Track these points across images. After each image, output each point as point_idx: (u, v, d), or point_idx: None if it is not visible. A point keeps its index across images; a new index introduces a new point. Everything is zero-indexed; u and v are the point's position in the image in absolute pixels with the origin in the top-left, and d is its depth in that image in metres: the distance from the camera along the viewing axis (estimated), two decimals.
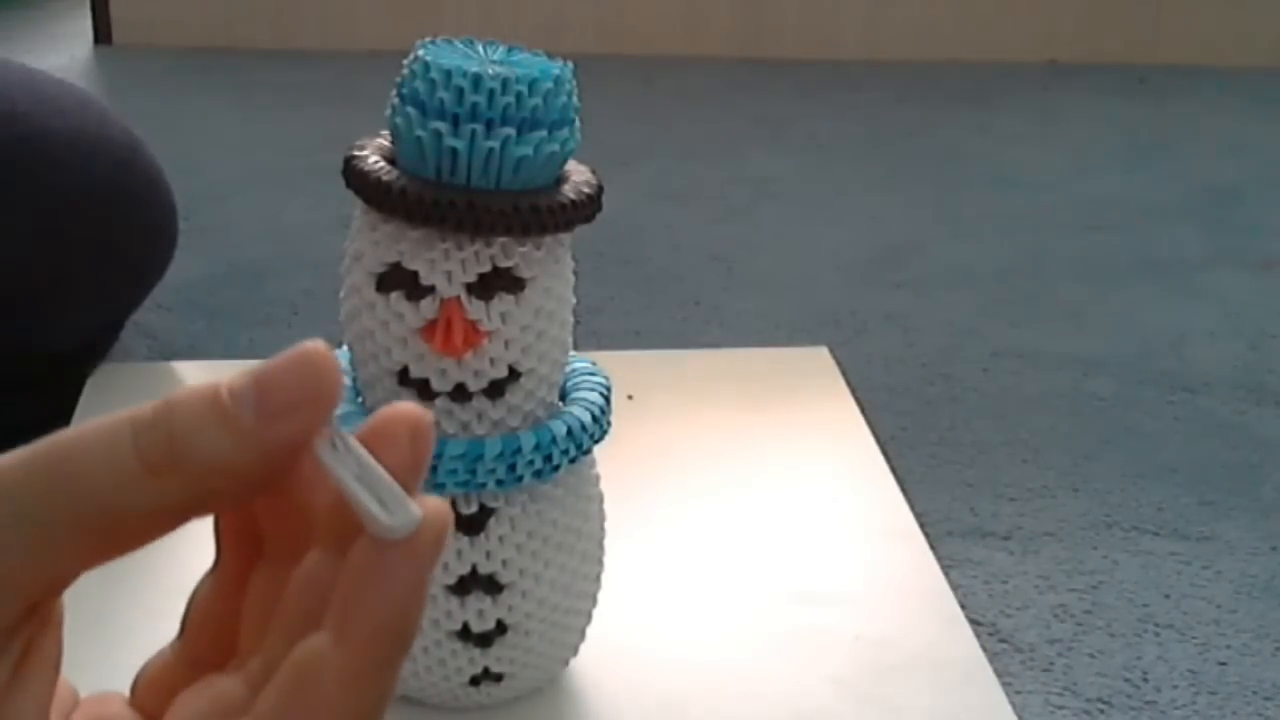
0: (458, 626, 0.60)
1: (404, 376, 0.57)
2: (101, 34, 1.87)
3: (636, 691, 0.67)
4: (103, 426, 0.28)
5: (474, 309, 0.56)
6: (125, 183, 0.91)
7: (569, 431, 0.59)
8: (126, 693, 0.33)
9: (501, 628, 0.61)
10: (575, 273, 0.60)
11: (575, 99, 0.56)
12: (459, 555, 0.59)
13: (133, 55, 1.83)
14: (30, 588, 0.28)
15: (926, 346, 1.08)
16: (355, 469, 0.30)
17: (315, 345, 0.29)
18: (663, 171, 1.46)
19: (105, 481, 0.27)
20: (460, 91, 0.53)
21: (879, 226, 1.33)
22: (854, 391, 0.97)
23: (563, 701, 0.66)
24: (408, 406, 0.30)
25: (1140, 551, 0.82)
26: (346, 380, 0.61)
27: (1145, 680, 0.71)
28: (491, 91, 0.53)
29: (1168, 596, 0.78)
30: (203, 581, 0.33)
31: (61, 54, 1.81)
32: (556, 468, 0.59)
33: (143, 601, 0.70)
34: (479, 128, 0.54)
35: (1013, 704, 0.67)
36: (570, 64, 0.56)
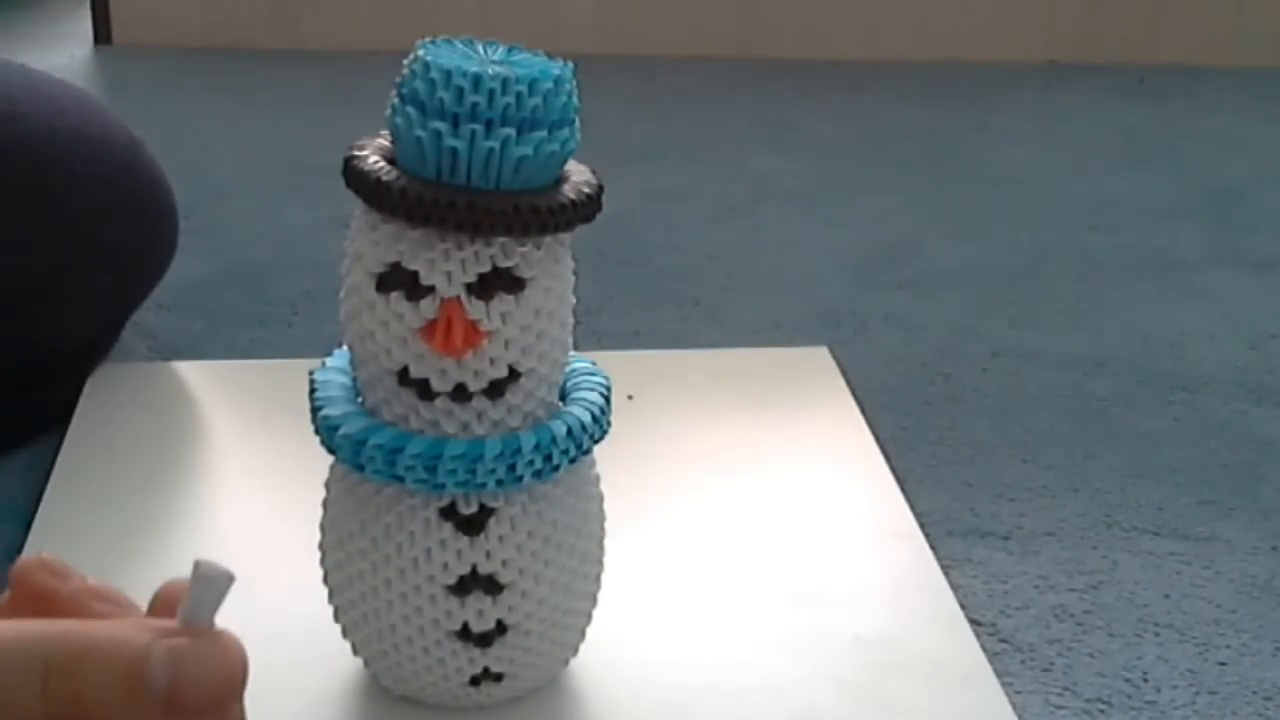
0: (458, 626, 0.60)
1: (404, 376, 0.57)
2: (101, 34, 1.87)
3: (636, 691, 0.67)
4: (20, 646, 0.28)
5: (474, 309, 0.56)
6: (125, 183, 0.91)
7: (569, 431, 0.59)
8: None
9: (501, 628, 0.61)
10: (575, 273, 0.60)
11: (575, 99, 0.56)
12: (459, 555, 0.59)
13: (133, 55, 1.83)
14: None
15: (926, 346, 1.08)
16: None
17: (236, 646, 0.30)
18: (663, 171, 1.46)
19: (7, 709, 0.28)
20: (460, 91, 0.54)
21: (879, 226, 1.33)
22: (854, 391, 0.97)
23: (563, 701, 0.66)
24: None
25: (1140, 551, 0.82)
26: (346, 380, 0.61)
27: (1145, 680, 0.71)
28: (491, 91, 0.53)
29: (1168, 596, 0.78)
30: None
31: (61, 54, 1.81)
32: (556, 468, 0.59)
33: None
34: (479, 128, 0.54)
35: (1013, 704, 0.67)
36: (570, 64, 0.56)
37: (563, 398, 0.62)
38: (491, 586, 0.60)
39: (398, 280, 0.56)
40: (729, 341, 1.07)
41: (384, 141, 0.58)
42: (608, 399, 0.62)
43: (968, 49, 1.93)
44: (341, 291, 0.59)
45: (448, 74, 0.54)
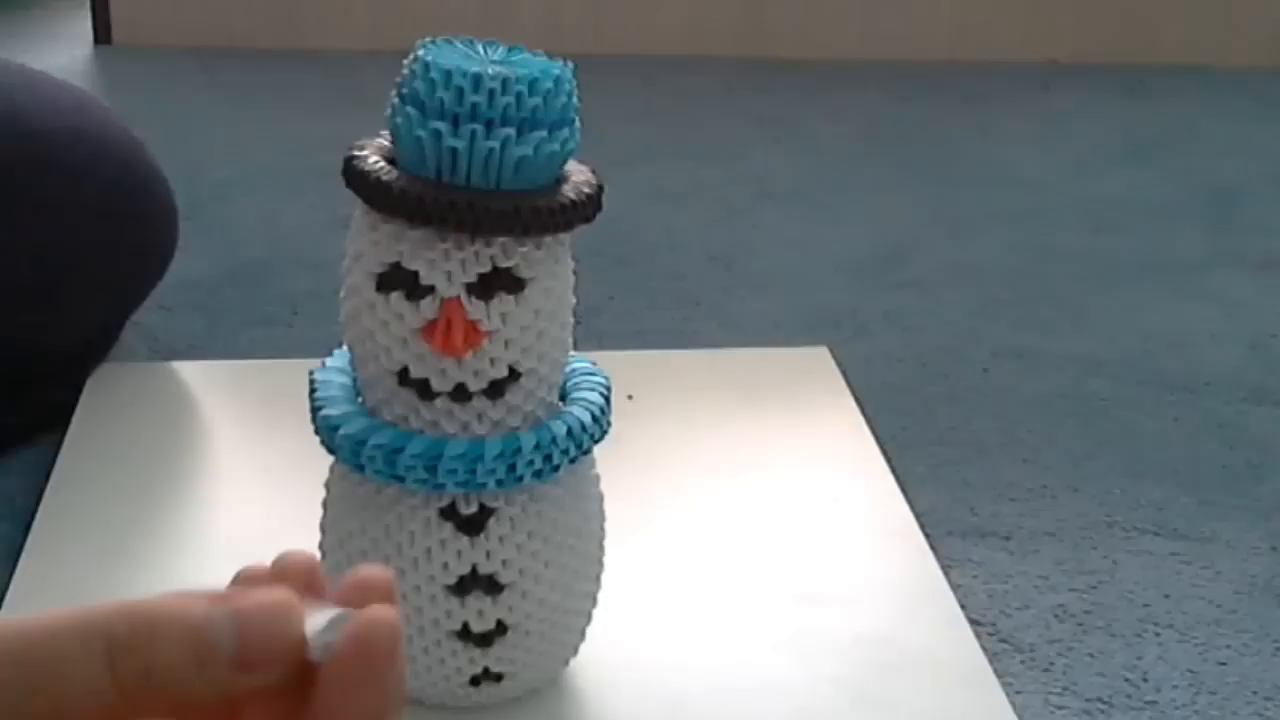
0: (458, 626, 0.60)
1: (404, 376, 0.57)
2: (101, 34, 1.87)
3: (636, 691, 0.67)
4: (79, 630, 0.28)
5: (474, 309, 0.56)
6: (125, 183, 0.91)
7: (569, 431, 0.59)
8: None
9: (501, 628, 0.61)
10: (575, 273, 0.60)
11: (575, 99, 0.56)
12: (459, 555, 0.59)
13: (133, 55, 1.83)
14: None
15: (926, 346, 1.08)
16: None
17: (290, 599, 0.30)
18: (663, 171, 1.46)
19: (75, 692, 0.28)
20: (460, 91, 0.54)
21: (879, 226, 1.33)
22: (854, 391, 0.97)
23: (563, 701, 0.66)
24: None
25: (1140, 551, 0.82)
26: (346, 380, 0.61)
27: (1145, 680, 0.71)
28: (491, 91, 0.54)
29: (1168, 596, 0.78)
30: None
31: (61, 54, 1.81)
32: (556, 468, 0.59)
33: None
34: (479, 128, 0.54)
35: (1013, 704, 0.67)
36: (570, 64, 0.56)
37: (563, 398, 0.62)
38: (491, 586, 0.60)
39: (398, 280, 0.56)
40: (729, 341, 1.07)
41: (384, 141, 0.58)
42: (608, 399, 0.62)
43: (968, 49, 1.93)
44: (341, 291, 0.59)
45: (448, 74, 0.54)
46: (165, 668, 0.28)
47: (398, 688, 0.31)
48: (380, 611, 0.30)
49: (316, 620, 0.30)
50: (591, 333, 1.04)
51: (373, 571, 0.32)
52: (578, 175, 0.58)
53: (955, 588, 0.76)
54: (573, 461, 0.60)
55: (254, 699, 0.31)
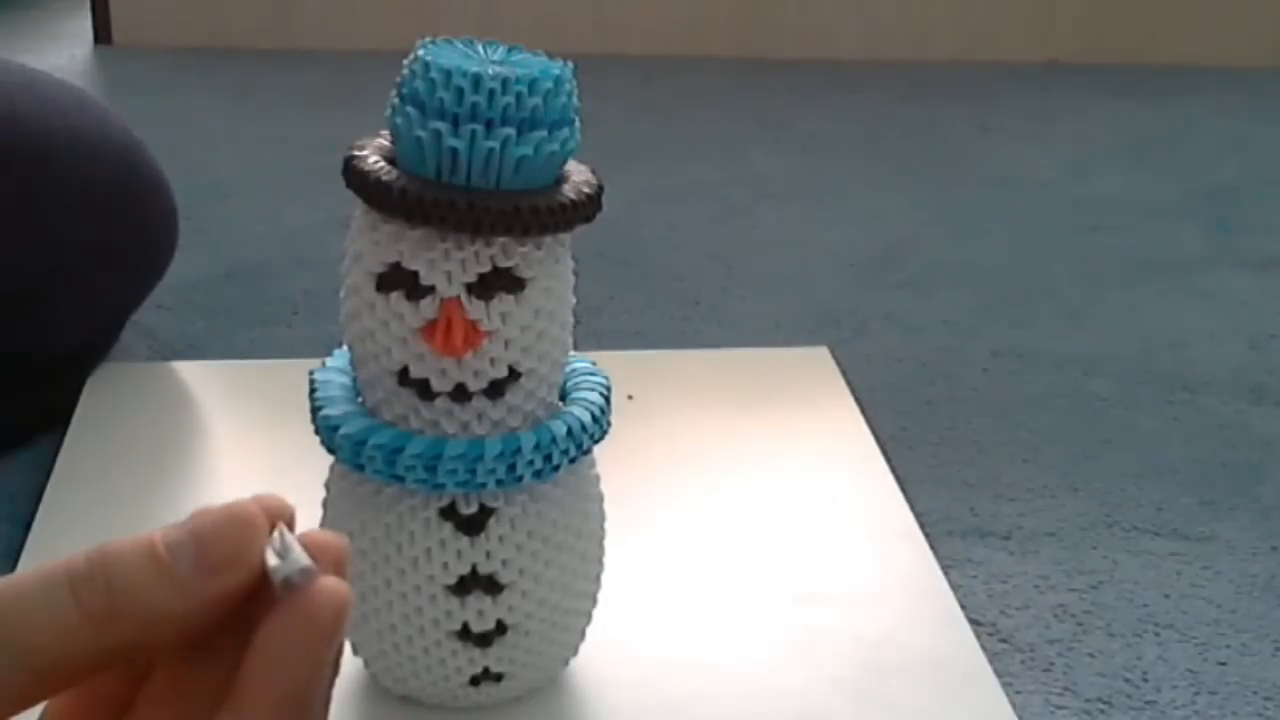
0: (458, 626, 0.60)
1: (404, 376, 0.57)
2: (101, 34, 1.87)
3: (636, 691, 0.67)
4: (40, 576, 0.29)
5: (474, 309, 0.56)
6: (125, 183, 0.91)
7: (569, 431, 0.59)
8: None
9: (501, 628, 0.61)
10: (575, 273, 0.60)
11: (575, 99, 0.56)
12: (459, 555, 0.59)
13: (133, 55, 1.83)
14: None
15: (926, 346, 1.08)
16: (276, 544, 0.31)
17: (247, 503, 0.31)
18: (663, 171, 1.46)
19: (46, 632, 0.28)
20: (460, 91, 0.54)
21: (879, 226, 1.33)
22: (854, 391, 0.97)
23: (563, 701, 0.66)
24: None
25: (1140, 551, 0.82)
26: (346, 380, 0.61)
27: (1145, 680, 0.71)
28: (491, 91, 0.54)
29: (1168, 596, 0.78)
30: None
31: (61, 54, 1.81)
32: (556, 468, 0.59)
33: None
34: (479, 128, 0.54)
35: (1013, 704, 0.67)
36: (570, 64, 0.56)
37: (563, 398, 0.62)
38: (491, 586, 0.60)
39: (398, 280, 0.56)
40: (729, 341, 1.07)
41: (384, 141, 0.58)
42: (608, 399, 0.62)
43: (968, 49, 1.93)
44: (341, 291, 0.59)
45: (448, 74, 0.54)
46: (125, 582, 0.28)
47: (332, 667, 0.30)
48: (335, 584, 0.30)
49: (288, 550, 0.30)
50: (591, 333, 1.04)
51: (328, 537, 0.32)
52: (578, 175, 0.58)
53: (955, 588, 0.76)
54: (573, 461, 0.60)
55: (182, 660, 0.30)
